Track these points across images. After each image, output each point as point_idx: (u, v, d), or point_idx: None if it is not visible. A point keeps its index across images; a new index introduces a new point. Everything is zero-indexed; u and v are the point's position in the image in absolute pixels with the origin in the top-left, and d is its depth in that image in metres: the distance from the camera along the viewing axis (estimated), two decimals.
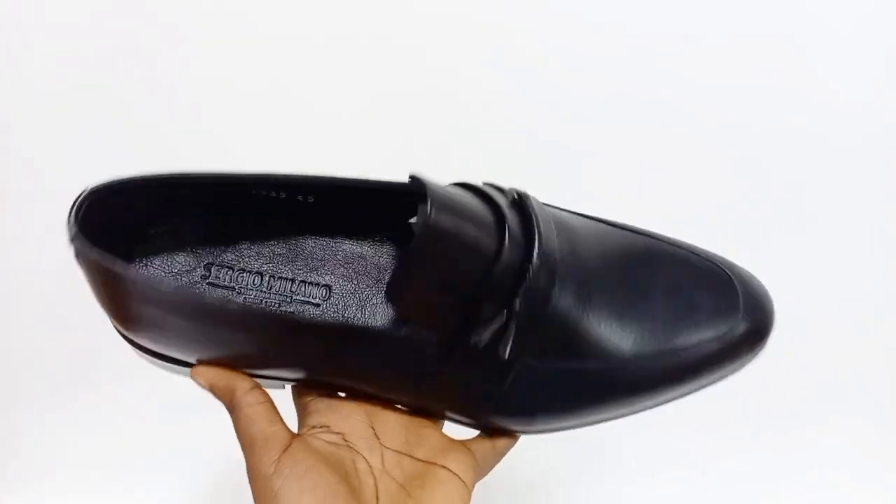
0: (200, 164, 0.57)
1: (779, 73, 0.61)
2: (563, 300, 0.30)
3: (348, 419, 0.31)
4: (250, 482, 0.29)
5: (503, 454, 0.34)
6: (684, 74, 0.61)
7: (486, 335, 0.28)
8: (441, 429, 0.34)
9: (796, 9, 0.60)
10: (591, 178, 0.62)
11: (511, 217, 0.29)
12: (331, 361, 0.30)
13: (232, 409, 0.30)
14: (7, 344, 0.66)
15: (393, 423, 0.32)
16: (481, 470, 0.32)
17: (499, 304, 0.28)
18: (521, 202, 0.31)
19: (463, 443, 0.32)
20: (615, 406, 0.32)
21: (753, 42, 0.61)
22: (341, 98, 0.62)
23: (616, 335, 0.31)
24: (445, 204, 0.27)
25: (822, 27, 0.60)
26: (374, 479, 0.29)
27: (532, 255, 0.29)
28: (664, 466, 0.65)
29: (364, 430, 0.31)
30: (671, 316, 0.32)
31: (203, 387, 0.31)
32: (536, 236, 0.29)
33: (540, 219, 0.30)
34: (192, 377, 0.31)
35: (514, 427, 0.33)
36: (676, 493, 0.64)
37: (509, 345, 0.29)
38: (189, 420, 0.65)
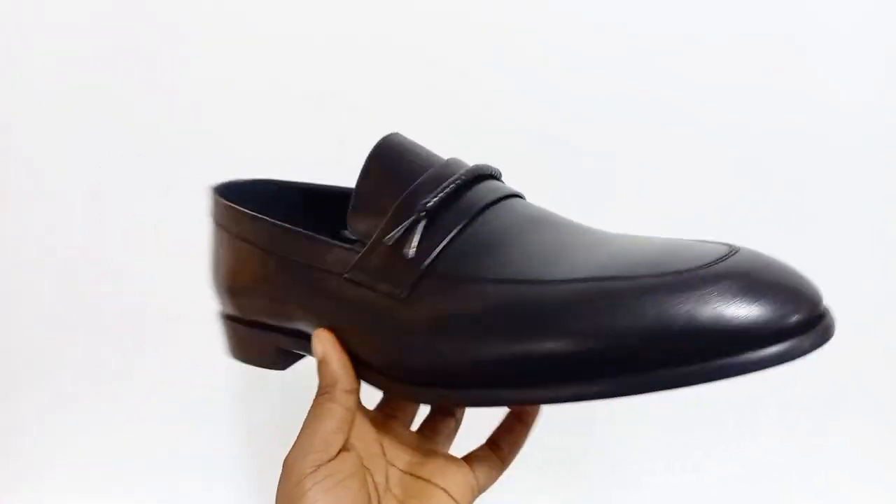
0: (200, 163, 0.58)
1: (779, 73, 0.61)
2: (486, 226, 0.30)
3: (361, 429, 0.32)
4: (284, 469, 0.29)
5: (509, 462, 0.34)
6: (684, 74, 0.61)
7: (395, 234, 0.30)
8: (447, 450, 0.35)
9: (796, 9, 0.60)
10: (591, 178, 0.62)
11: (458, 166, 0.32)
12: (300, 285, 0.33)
13: (321, 393, 0.31)
14: (7, 344, 0.66)
15: (401, 440, 0.33)
16: (483, 486, 0.33)
17: (415, 210, 0.30)
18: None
19: (467, 460, 0.33)
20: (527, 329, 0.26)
21: (753, 42, 0.61)
22: (341, 98, 0.62)
23: (536, 261, 0.28)
24: (386, 147, 0.33)
25: (822, 27, 0.60)
26: (379, 495, 0.30)
27: (452, 176, 0.31)
28: (662, 466, 0.65)
29: (374, 446, 0.32)
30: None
31: (316, 353, 0.32)
32: (465, 168, 0.32)
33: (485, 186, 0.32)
34: (313, 339, 0.32)
35: (416, 359, 0.29)
36: (676, 493, 0.64)
37: (414, 243, 0.29)
38: (189, 420, 0.65)
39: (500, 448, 0.33)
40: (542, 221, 0.31)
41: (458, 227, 0.30)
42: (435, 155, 0.34)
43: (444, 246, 0.29)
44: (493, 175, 0.34)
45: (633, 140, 0.62)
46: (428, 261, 0.29)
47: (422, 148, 0.34)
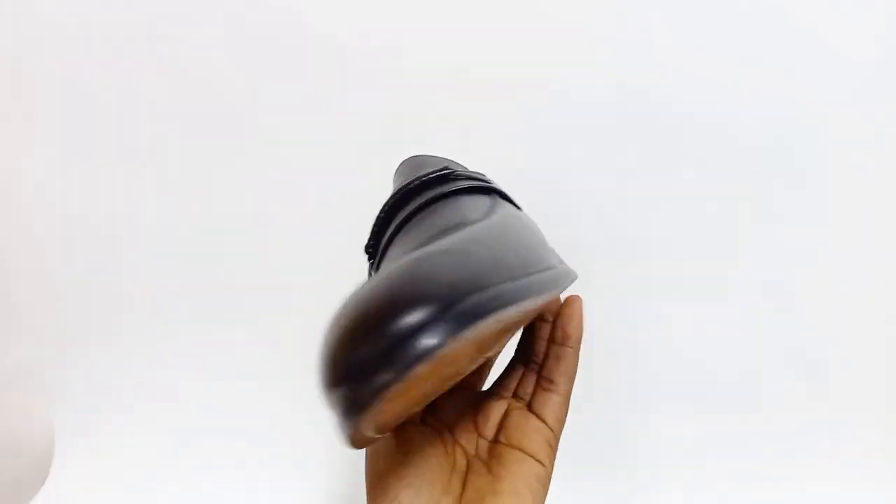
0: (200, 163, 0.57)
1: (778, 72, 0.61)
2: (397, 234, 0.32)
3: (457, 409, 0.36)
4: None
5: (567, 394, 0.35)
6: (684, 74, 0.61)
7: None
8: (531, 413, 0.35)
9: (796, 8, 0.60)
10: (591, 178, 0.63)
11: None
12: None
13: None
14: (7, 344, 0.66)
15: (492, 413, 0.36)
16: (556, 429, 0.34)
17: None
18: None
19: (538, 416, 0.34)
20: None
21: (753, 42, 0.61)
22: (341, 98, 0.62)
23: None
24: (406, 164, 0.34)
25: (822, 26, 0.60)
26: (468, 459, 0.34)
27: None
28: (660, 464, 0.65)
29: (466, 421, 0.35)
30: None
31: None
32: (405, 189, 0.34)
33: (429, 192, 0.33)
34: None
35: None
36: (674, 493, 0.64)
37: (372, 262, 0.32)
38: (190, 420, 0.65)
39: (555, 382, 0.34)
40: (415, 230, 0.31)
41: (374, 265, 0.32)
42: (424, 169, 0.34)
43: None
44: (433, 180, 0.34)
45: (632, 140, 0.62)
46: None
47: (418, 167, 0.35)
